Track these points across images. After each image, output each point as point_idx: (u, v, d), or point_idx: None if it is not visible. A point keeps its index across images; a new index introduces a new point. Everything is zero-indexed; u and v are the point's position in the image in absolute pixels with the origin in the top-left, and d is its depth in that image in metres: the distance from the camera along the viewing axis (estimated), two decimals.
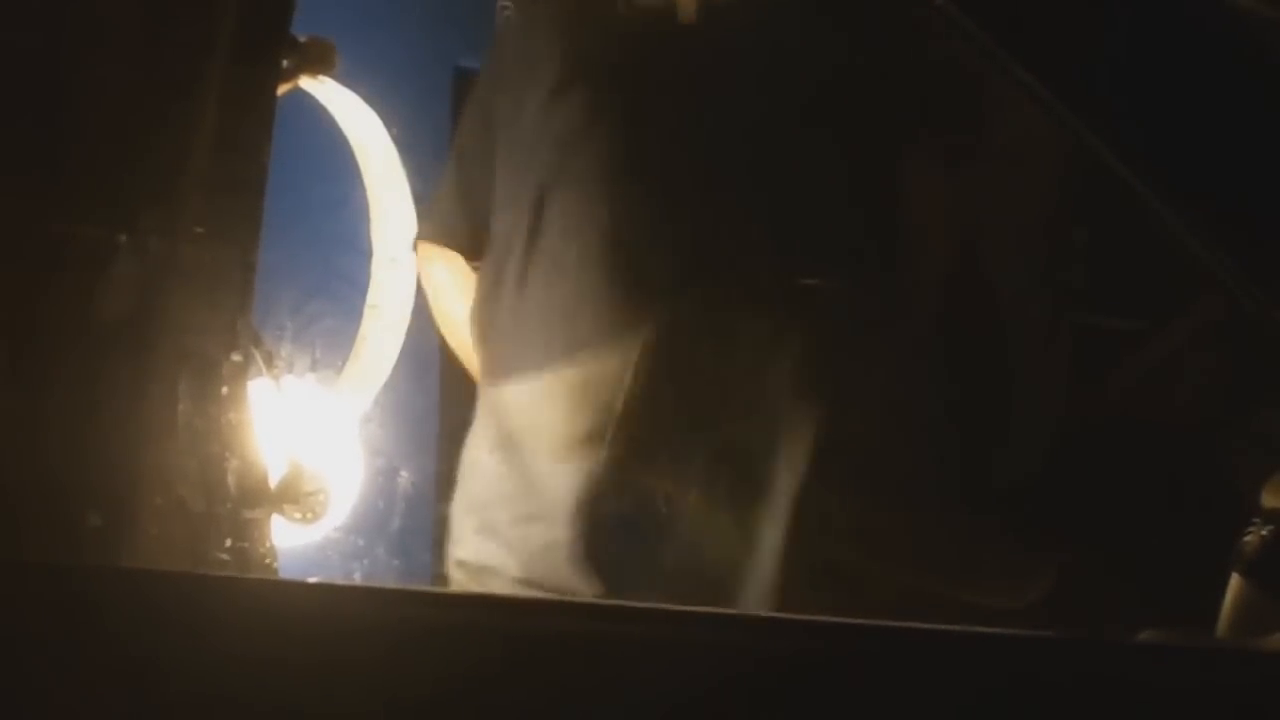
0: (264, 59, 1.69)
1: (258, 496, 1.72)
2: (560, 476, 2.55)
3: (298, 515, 1.87)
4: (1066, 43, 1.44)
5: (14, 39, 1.55)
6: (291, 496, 1.85)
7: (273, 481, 1.78)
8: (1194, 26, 1.43)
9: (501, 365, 2.67)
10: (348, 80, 2.56)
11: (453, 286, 2.80)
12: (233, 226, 1.65)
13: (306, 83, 2.32)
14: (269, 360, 1.91)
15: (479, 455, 2.69)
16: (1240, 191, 1.42)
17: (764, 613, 2.96)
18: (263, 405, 1.80)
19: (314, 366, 2.59)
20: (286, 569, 1.89)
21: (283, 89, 1.80)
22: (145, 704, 1.40)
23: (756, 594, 2.58)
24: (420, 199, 2.89)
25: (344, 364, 2.77)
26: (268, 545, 1.76)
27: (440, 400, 3.26)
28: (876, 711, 1.39)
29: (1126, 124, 1.43)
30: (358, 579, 2.82)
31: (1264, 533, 2.36)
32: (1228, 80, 1.44)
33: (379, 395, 2.83)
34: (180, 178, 1.60)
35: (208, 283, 1.63)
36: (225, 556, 1.64)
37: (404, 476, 3.09)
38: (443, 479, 3.26)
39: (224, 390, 1.63)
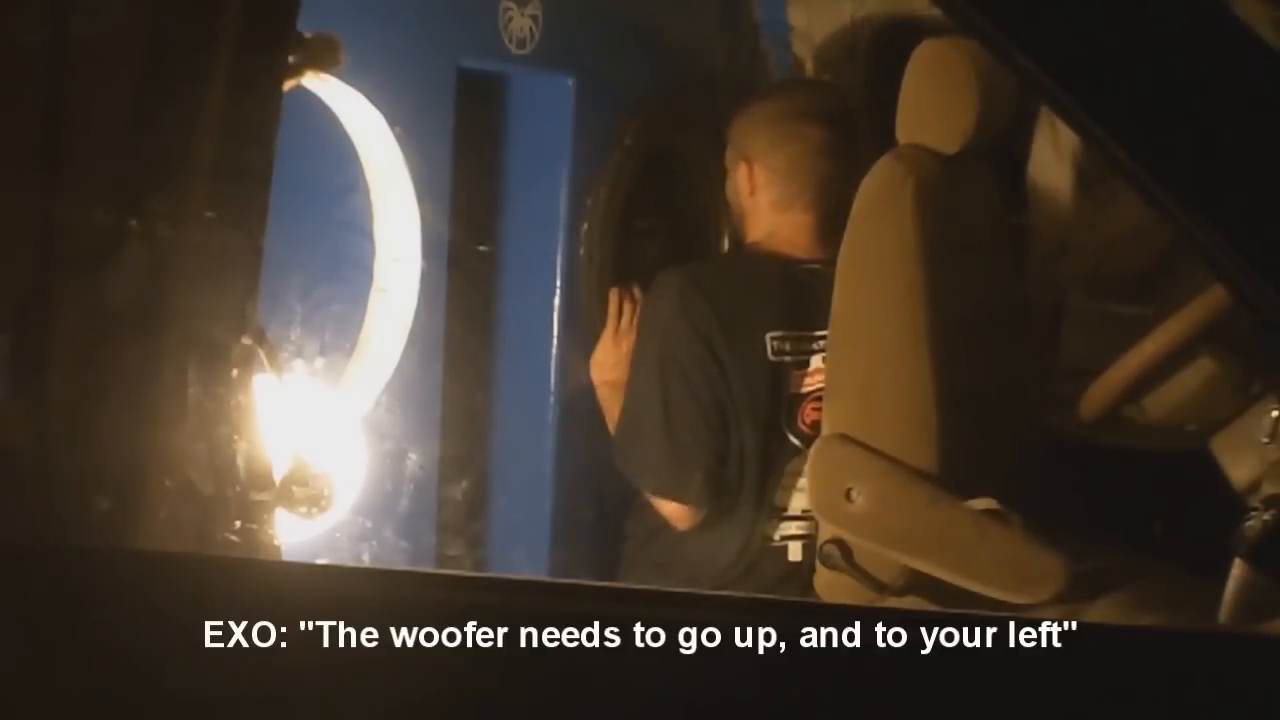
0: (271, 46, 1.69)
1: (266, 479, 1.72)
2: None
3: (302, 510, 1.88)
4: (1077, 35, 1.44)
5: (24, 26, 1.55)
6: (296, 490, 1.86)
7: (278, 477, 1.78)
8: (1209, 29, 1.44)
9: None
10: (351, 79, 2.57)
11: None
12: (241, 212, 1.65)
13: (310, 81, 2.32)
14: (272, 355, 1.91)
15: None
16: (1254, 190, 1.42)
17: (774, 596, 2.97)
18: (267, 400, 1.81)
19: (323, 350, 2.59)
20: (295, 550, 1.90)
21: (287, 85, 1.81)
22: (153, 685, 1.41)
23: None
24: (423, 198, 2.90)
25: (352, 347, 2.78)
26: (275, 528, 1.77)
27: (445, 385, 3.27)
28: (884, 698, 1.40)
29: (1135, 117, 1.43)
30: (366, 560, 2.83)
31: (1266, 517, 2.37)
32: (1237, 78, 1.44)
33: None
34: (189, 164, 1.61)
35: (216, 268, 1.64)
36: (234, 538, 1.65)
37: (411, 459, 3.10)
38: (447, 462, 3.28)
39: (233, 374, 1.64)
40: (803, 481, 3.21)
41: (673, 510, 3.27)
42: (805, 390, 3.25)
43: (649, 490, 3.31)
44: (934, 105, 3.02)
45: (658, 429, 3.25)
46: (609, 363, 3.42)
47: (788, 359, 3.25)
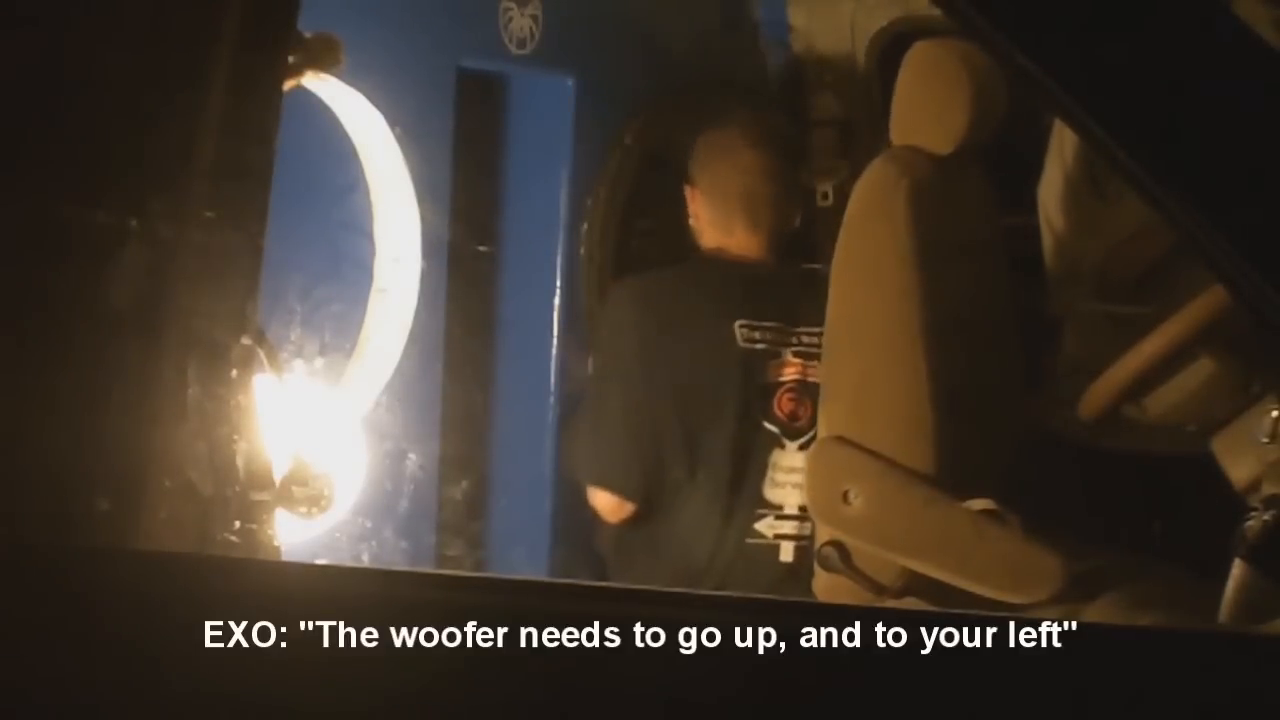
0: (271, 45, 1.69)
1: (266, 479, 1.72)
2: None
3: (302, 510, 1.88)
4: (1076, 36, 1.44)
5: (25, 26, 1.55)
6: (296, 491, 1.86)
7: (278, 477, 1.78)
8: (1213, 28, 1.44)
9: None
10: (351, 79, 2.57)
11: None
12: (241, 212, 1.65)
13: (310, 81, 2.32)
14: (272, 355, 1.91)
15: None
16: (1253, 191, 1.42)
17: (768, 596, 2.97)
18: (267, 401, 1.81)
19: (323, 350, 2.59)
20: (295, 550, 1.90)
21: (287, 85, 1.81)
22: (153, 685, 1.41)
23: None
24: (423, 198, 2.90)
25: (352, 347, 2.78)
26: (275, 528, 1.77)
27: (445, 385, 3.27)
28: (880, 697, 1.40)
29: (1135, 118, 1.43)
30: (365, 561, 2.83)
31: (1265, 518, 2.37)
32: (1239, 80, 1.44)
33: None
34: (189, 164, 1.60)
35: (216, 267, 1.63)
36: (234, 539, 1.65)
37: (411, 459, 3.10)
38: (447, 462, 3.28)
39: (233, 374, 1.64)
40: (797, 478, 3.25)
41: (603, 502, 3.32)
42: (781, 380, 3.31)
43: (583, 479, 3.37)
44: (927, 107, 3.02)
45: (595, 424, 3.32)
46: None
47: (759, 347, 3.30)
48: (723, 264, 3.40)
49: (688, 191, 3.46)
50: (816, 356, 3.24)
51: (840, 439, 2.93)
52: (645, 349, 3.28)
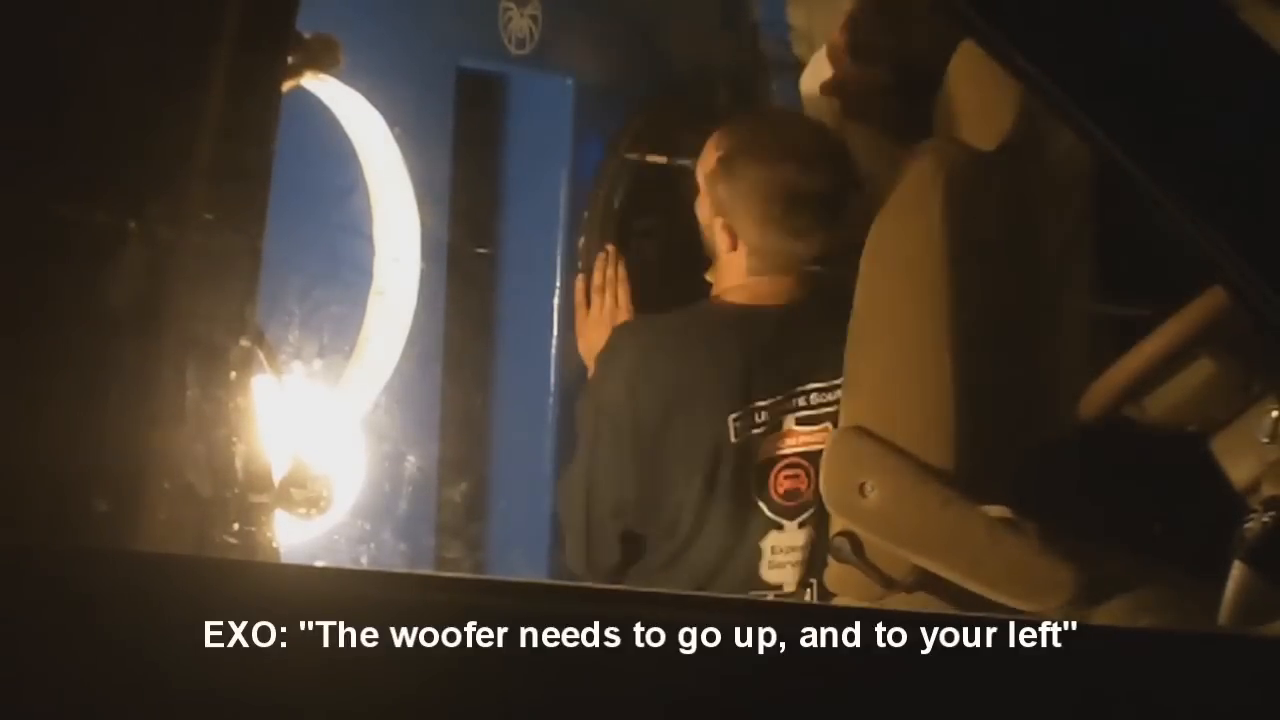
0: (270, 47, 1.69)
1: (264, 481, 1.72)
2: None
3: (301, 511, 1.88)
4: (1076, 37, 1.44)
5: (24, 27, 1.55)
6: (295, 493, 1.86)
7: (276, 479, 1.78)
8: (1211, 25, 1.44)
9: None
10: (350, 79, 2.57)
11: None
12: (240, 214, 1.65)
13: (309, 81, 2.32)
14: (271, 357, 1.91)
15: None
16: (1254, 191, 1.42)
17: (767, 598, 2.96)
18: (266, 401, 1.80)
19: (321, 352, 2.59)
20: (294, 552, 1.90)
21: (286, 86, 1.81)
22: (152, 687, 1.41)
23: None
24: (422, 199, 2.89)
25: (351, 349, 2.77)
26: (274, 530, 1.77)
27: (444, 386, 3.27)
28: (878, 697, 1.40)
29: (1134, 119, 1.43)
30: (364, 563, 2.83)
31: (1265, 519, 2.37)
32: (1236, 77, 1.44)
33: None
34: (187, 166, 1.60)
35: (215, 269, 1.63)
36: (232, 540, 1.65)
37: (410, 461, 3.10)
38: (446, 464, 3.27)
39: (231, 376, 1.64)
40: (797, 556, 3.13)
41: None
42: (778, 454, 3.12)
43: (566, 558, 3.22)
44: (974, 101, 3.00)
45: (567, 500, 3.20)
46: (589, 330, 3.39)
47: (755, 433, 3.09)
48: (736, 321, 3.13)
49: (721, 228, 3.13)
50: (823, 419, 3.09)
51: (860, 430, 2.89)
52: (638, 427, 3.07)
